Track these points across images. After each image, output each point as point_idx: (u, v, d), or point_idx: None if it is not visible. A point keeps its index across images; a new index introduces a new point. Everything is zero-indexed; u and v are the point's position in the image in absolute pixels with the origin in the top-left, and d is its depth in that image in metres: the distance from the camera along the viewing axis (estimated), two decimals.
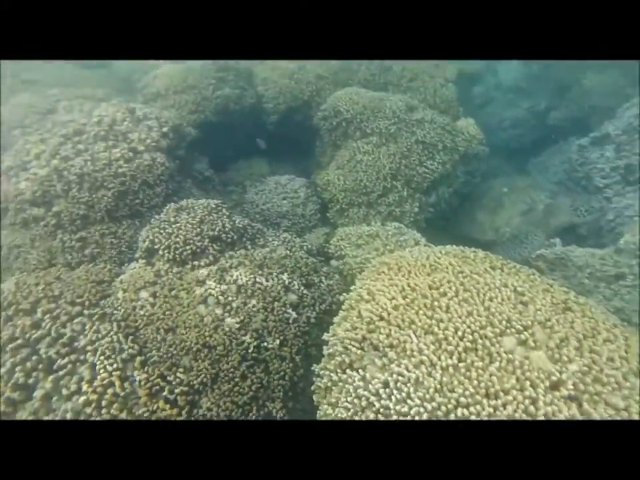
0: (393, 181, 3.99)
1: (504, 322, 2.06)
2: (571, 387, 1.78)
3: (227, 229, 3.18)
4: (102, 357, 2.39)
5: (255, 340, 2.61)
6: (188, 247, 2.96)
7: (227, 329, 2.54)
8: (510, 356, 1.92)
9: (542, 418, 1.67)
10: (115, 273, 3.04)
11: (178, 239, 2.99)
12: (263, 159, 5.06)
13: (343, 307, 2.58)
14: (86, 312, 2.59)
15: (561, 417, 1.66)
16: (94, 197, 3.36)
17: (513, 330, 2.03)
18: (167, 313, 2.61)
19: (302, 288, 3.03)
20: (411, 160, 4.06)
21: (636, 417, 1.70)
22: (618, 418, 1.68)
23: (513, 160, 6.66)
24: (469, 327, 2.04)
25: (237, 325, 2.59)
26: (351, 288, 2.71)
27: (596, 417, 1.66)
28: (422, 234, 3.98)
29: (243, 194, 4.52)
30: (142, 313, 2.61)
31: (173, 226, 3.09)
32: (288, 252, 3.32)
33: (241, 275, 2.88)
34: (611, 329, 2.18)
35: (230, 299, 2.71)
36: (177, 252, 2.96)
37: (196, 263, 2.96)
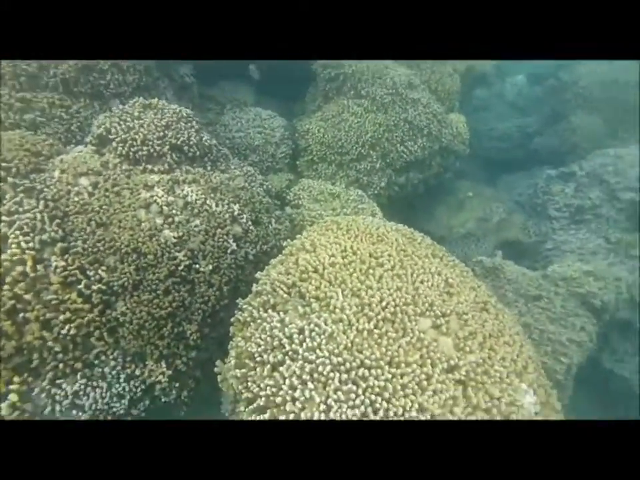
0: (371, 150, 3.97)
1: (426, 304, 2.17)
2: (463, 373, 1.94)
3: (191, 142, 3.03)
4: (18, 232, 2.23)
5: (188, 259, 2.56)
6: (145, 148, 2.79)
7: (163, 240, 2.47)
8: (422, 335, 2.03)
9: (430, 393, 1.81)
10: (56, 150, 2.81)
11: (137, 136, 2.80)
12: (251, 86, 4.80)
13: (283, 252, 2.59)
14: (10, 180, 2.38)
15: (446, 395, 1.81)
16: (51, 63, 3.03)
17: (432, 314, 2.15)
18: (103, 207, 2.47)
19: (249, 223, 2.99)
20: (394, 135, 4.03)
21: (503, 407, 1.89)
22: (490, 405, 1.85)
23: (488, 169, 6.85)
24: (393, 300, 2.12)
25: (174, 240, 2.52)
26: (297, 236, 2.72)
27: (473, 400, 1.82)
28: (381, 209, 4.04)
29: (220, 115, 4.30)
30: (76, 199, 2.45)
31: (136, 121, 2.88)
32: (246, 184, 3.24)
33: (192, 191, 2.79)
34: (513, 335, 2.38)
35: (174, 212, 2.62)
36: (132, 149, 2.78)
37: (149, 166, 2.80)
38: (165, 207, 2.59)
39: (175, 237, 2.55)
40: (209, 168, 3.16)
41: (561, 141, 5.82)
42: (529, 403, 2.11)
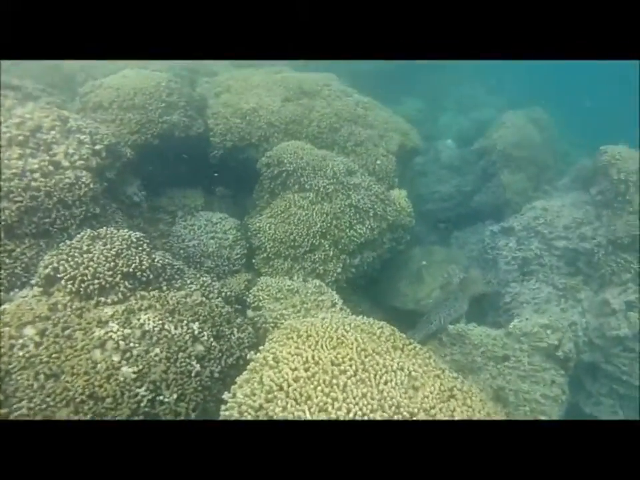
0: (322, 239, 4.14)
1: (393, 407, 2.18)
2: None
3: (143, 267, 3.06)
4: None
5: (151, 393, 2.48)
6: (96, 282, 2.79)
7: (122, 378, 2.39)
8: None
9: None
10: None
11: (87, 271, 2.80)
12: (198, 190, 4.99)
13: (249, 367, 2.57)
14: None
15: None
16: None
17: (400, 416, 2.16)
18: (53, 355, 2.40)
19: (211, 339, 2.97)
20: (342, 222, 4.25)
21: None
22: None
23: (438, 230, 7.25)
24: (360, 409, 2.13)
25: (134, 375, 2.45)
26: (260, 348, 2.72)
27: None
28: (342, 293, 4.13)
29: (172, 225, 4.40)
30: (21, 354, 2.37)
31: (84, 255, 2.90)
32: (204, 298, 3.25)
33: (149, 319, 2.76)
34: (484, 417, 2.41)
35: (132, 344, 2.58)
36: (82, 285, 2.77)
37: (102, 299, 2.78)
38: (121, 342, 2.55)
39: (134, 372, 2.48)
40: (164, 288, 3.17)
41: (495, 197, 6.35)
42: None
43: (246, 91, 5.37)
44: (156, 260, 3.24)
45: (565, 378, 3.92)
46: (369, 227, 4.38)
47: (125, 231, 3.21)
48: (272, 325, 3.42)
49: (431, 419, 2.21)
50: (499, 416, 2.67)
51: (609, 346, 4.38)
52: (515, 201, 6.05)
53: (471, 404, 2.48)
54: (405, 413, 2.17)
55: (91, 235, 3.08)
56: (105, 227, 3.15)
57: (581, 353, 4.42)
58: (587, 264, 4.79)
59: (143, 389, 2.45)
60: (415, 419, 2.17)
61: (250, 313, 3.65)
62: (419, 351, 2.75)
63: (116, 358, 2.50)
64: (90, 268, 2.84)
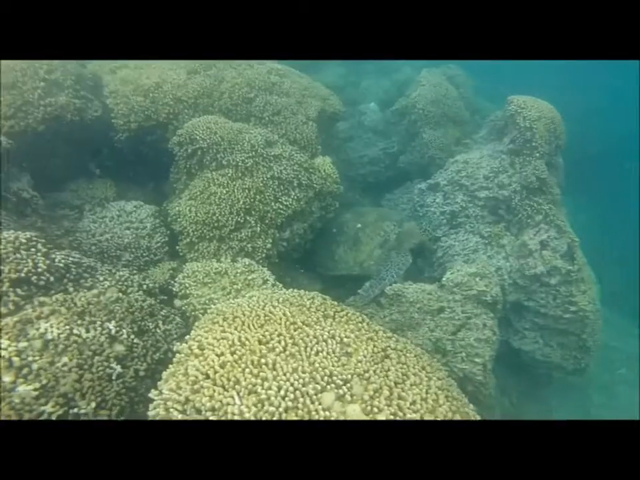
0: (247, 216, 3.94)
1: (326, 377, 2.12)
2: None
3: (39, 270, 2.69)
4: None
5: (61, 407, 2.21)
6: None
7: (17, 400, 2.10)
8: (327, 413, 1.97)
9: None
10: None
11: None
12: (108, 179, 4.53)
13: (174, 360, 2.38)
14: None
15: None
16: None
17: (333, 385, 2.10)
18: None
19: (132, 336, 2.72)
20: (266, 195, 4.07)
21: None
22: None
23: (369, 194, 7.29)
24: (292, 384, 2.04)
25: (35, 393, 2.17)
26: (185, 338, 2.53)
27: None
28: (274, 268, 4.01)
29: (78, 220, 3.96)
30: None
31: None
32: (120, 294, 2.96)
33: (51, 326, 2.45)
34: (418, 372, 2.43)
35: (30, 358, 2.27)
36: None
37: None
38: (14, 358, 2.23)
39: (35, 389, 2.19)
40: (70, 290, 2.84)
41: (420, 155, 6.45)
42: None
43: (146, 65, 4.88)
44: (56, 260, 2.88)
45: (494, 320, 4.15)
46: (295, 197, 4.24)
47: (10, 232, 2.80)
48: (201, 311, 3.22)
49: (365, 384, 2.19)
50: (436, 367, 2.74)
51: (529, 284, 4.69)
52: (439, 156, 6.18)
53: (405, 361, 2.49)
54: (338, 381, 2.12)
55: None
56: None
57: (507, 295, 4.70)
58: (507, 210, 5.04)
59: (49, 405, 2.18)
60: (349, 385, 2.13)
61: (177, 302, 3.42)
62: (351, 316, 2.71)
63: (7, 378, 2.18)
64: None
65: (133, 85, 4.68)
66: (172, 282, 3.60)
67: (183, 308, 3.34)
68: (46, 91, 4.01)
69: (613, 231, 11.00)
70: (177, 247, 3.99)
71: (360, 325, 2.65)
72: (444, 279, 4.37)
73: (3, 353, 2.19)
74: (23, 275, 2.61)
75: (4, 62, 3.84)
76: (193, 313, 3.27)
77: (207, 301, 3.28)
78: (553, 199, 4.86)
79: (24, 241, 2.77)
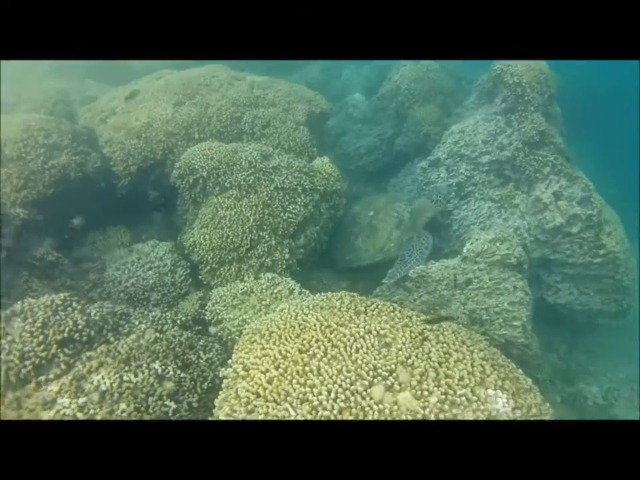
0: (260, 232, 4.01)
1: (371, 372, 2.17)
2: (433, 418, 1.95)
3: (80, 327, 2.81)
4: None
5: None
6: (28, 362, 2.53)
7: None
8: (380, 406, 2.02)
9: None
10: None
11: (11, 357, 2.53)
12: (120, 225, 4.66)
13: (223, 385, 2.47)
14: None
15: None
16: None
17: (380, 378, 2.15)
18: None
19: (178, 372, 2.82)
20: (274, 207, 4.13)
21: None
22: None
23: (373, 183, 7.29)
24: (340, 385, 2.10)
25: None
26: (229, 362, 2.61)
27: None
28: (297, 276, 4.08)
29: (102, 270, 4.09)
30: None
31: (2, 341, 2.61)
32: (157, 334, 3.06)
33: (103, 378, 2.56)
34: (459, 348, 2.46)
35: (92, 411, 2.38)
36: (10, 372, 2.50)
37: (42, 378, 2.54)
38: (79, 414, 2.34)
39: None
40: (111, 340, 2.95)
41: (415, 134, 6.42)
42: (503, 405, 2.17)
43: (132, 109, 5.00)
44: (92, 314, 3.00)
45: (524, 280, 4.12)
46: (302, 203, 4.29)
47: (46, 297, 2.93)
48: (237, 333, 3.30)
49: (410, 370, 2.23)
50: (476, 339, 2.76)
51: (551, 238, 4.64)
52: (434, 131, 6.15)
53: (444, 339, 2.52)
54: (383, 373, 2.16)
55: (5, 315, 2.77)
56: (19, 301, 2.85)
57: (530, 252, 4.66)
58: (513, 170, 4.99)
59: None
60: (394, 375, 2.17)
61: (212, 329, 3.51)
62: (382, 308, 2.75)
63: None
64: (14, 351, 2.56)
65: (125, 129, 4.80)
66: (203, 311, 3.69)
67: (219, 334, 3.43)
68: (47, 155, 4.17)
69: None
70: (200, 276, 4.08)
71: (392, 314, 2.69)
72: (464, 250, 4.36)
73: (67, 412, 2.30)
74: (66, 335, 2.73)
75: (4, 137, 4.00)
76: (229, 337, 3.35)
77: (240, 322, 3.36)
78: (557, 148, 4.80)
79: (59, 302, 2.89)
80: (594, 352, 6.08)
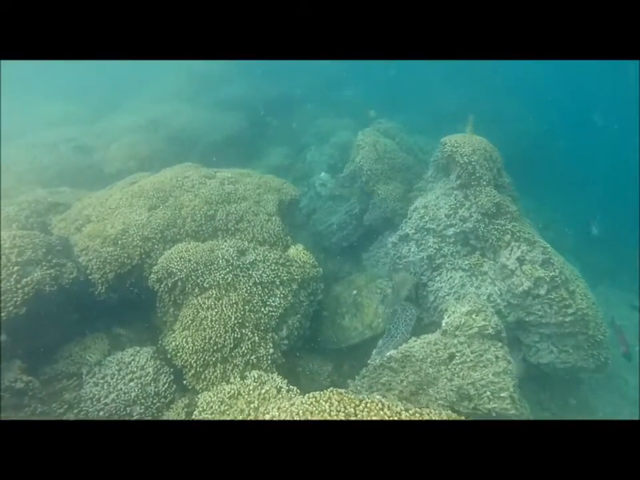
0: (242, 329, 4.03)
1: None
2: None
3: None
4: None
5: None
6: None
7: None
8: None
9: None
10: None
11: None
12: (99, 334, 4.56)
13: None
14: None
15: None
16: None
17: None
18: None
19: None
20: (254, 303, 4.19)
21: None
22: None
23: (348, 257, 7.51)
24: None
25: None
26: None
27: None
28: (282, 368, 4.05)
29: (79, 387, 3.93)
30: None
31: None
32: None
33: None
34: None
35: None
36: None
37: None
38: None
39: None
40: None
41: (381, 210, 6.80)
42: None
43: (107, 216, 5.13)
44: None
45: (504, 348, 4.23)
46: (281, 295, 4.38)
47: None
48: None
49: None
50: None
51: (522, 300, 4.85)
52: (400, 206, 6.56)
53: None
54: None
55: None
56: None
57: (506, 317, 4.83)
58: (477, 239, 5.31)
59: None
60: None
61: None
62: (371, 406, 2.75)
63: None
64: None
65: (100, 237, 4.88)
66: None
67: None
68: (21, 273, 4.15)
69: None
70: (184, 381, 3.98)
71: (382, 412, 2.69)
72: (443, 324, 4.48)
73: None
74: None
75: None
76: None
77: None
78: (513, 216, 5.19)
79: None
80: (586, 403, 6.09)
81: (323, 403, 2.82)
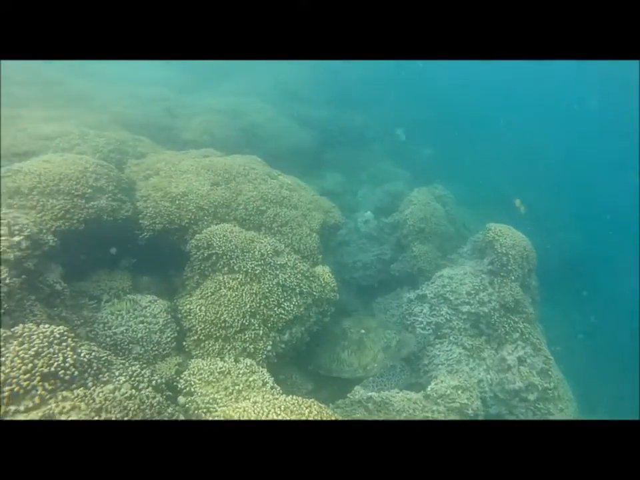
0: (252, 319, 4.34)
1: None
2: None
3: (67, 364, 2.99)
4: None
5: None
6: (7, 388, 2.68)
7: None
8: None
9: None
10: None
11: None
12: (126, 272, 4.97)
13: None
14: None
15: None
16: None
17: None
18: None
19: None
20: (270, 300, 4.51)
21: None
22: None
23: (361, 296, 7.77)
24: None
25: None
26: None
27: None
28: (271, 368, 4.30)
29: (97, 310, 4.31)
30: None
31: None
32: (133, 391, 3.22)
33: None
34: None
35: None
36: None
37: (11, 408, 2.66)
38: None
39: None
40: (90, 385, 3.10)
41: (409, 266, 7.09)
42: None
43: (175, 175, 5.65)
44: (82, 355, 3.19)
45: None
46: (296, 303, 4.69)
47: (47, 326, 3.15)
48: (204, 410, 3.44)
49: None
50: None
51: (509, 398, 4.97)
52: (427, 268, 6.82)
53: None
54: None
55: (5, 334, 2.97)
56: (21, 324, 3.07)
57: (489, 407, 4.94)
58: (487, 325, 5.50)
59: None
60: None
61: (181, 399, 3.64)
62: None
63: None
64: (1, 374, 2.73)
65: (162, 191, 5.37)
66: (178, 378, 3.85)
67: (187, 405, 3.56)
68: (92, 195, 4.65)
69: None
70: (184, 343, 4.29)
71: None
72: (429, 388, 4.65)
73: None
74: (52, 369, 2.90)
75: (62, 172, 4.53)
76: (196, 411, 3.48)
77: (210, 400, 3.52)
78: (528, 317, 5.37)
79: (57, 335, 3.11)
80: None
81: (304, 408, 3.07)
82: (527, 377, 4.89)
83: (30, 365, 2.83)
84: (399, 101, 17.74)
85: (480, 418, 4.52)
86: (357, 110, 15.64)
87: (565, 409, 5.04)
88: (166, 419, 3.23)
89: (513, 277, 5.44)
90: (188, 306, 4.44)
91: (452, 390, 4.44)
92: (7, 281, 3.34)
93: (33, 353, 2.90)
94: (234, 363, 4.02)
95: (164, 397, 3.56)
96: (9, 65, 8.08)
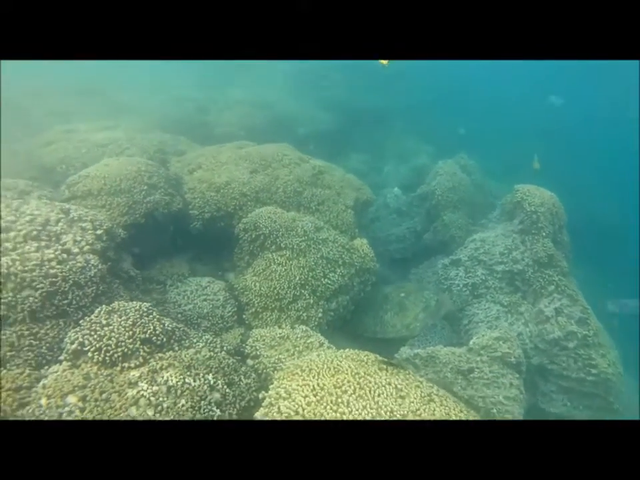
0: (302, 290, 4.76)
1: (388, 412, 2.77)
2: None
3: (157, 332, 3.51)
4: None
5: None
6: (120, 349, 3.21)
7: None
8: None
9: None
10: (35, 378, 3.09)
11: (110, 342, 3.23)
12: (183, 259, 5.50)
13: (264, 404, 3.06)
14: None
15: None
16: (17, 297, 3.44)
17: (395, 418, 2.75)
18: (97, 417, 2.78)
19: (225, 387, 3.42)
20: (317, 272, 4.92)
21: None
22: None
23: (396, 268, 8.09)
24: (364, 418, 2.70)
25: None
26: (270, 387, 3.22)
27: None
28: (324, 335, 4.73)
29: (164, 293, 4.85)
30: (70, 419, 2.73)
31: (105, 328, 3.33)
32: (211, 353, 3.72)
33: (171, 376, 3.20)
34: (458, 414, 3.04)
35: (161, 399, 3.00)
36: (107, 354, 3.18)
37: (126, 364, 3.20)
38: (152, 398, 2.96)
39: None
40: (176, 348, 3.62)
41: (442, 234, 7.34)
42: None
43: (216, 167, 6.11)
44: (166, 325, 3.70)
45: (520, 380, 4.66)
46: (340, 274, 5.08)
47: (135, 302, 3.67)
48: (272, 369, 3.91)
49: (418, 418, 2.82)
50: (471, 414, 3.32)
51: (549, 348, 5.22)
52: (459, 235, 7.06)
53: (447, 404, 3.12)
54: (398, 415, 2.76)
55: (107, 309, 3.52)
56: (117, 302, 3.60)
57: (530, 358, 5.22)
58: (522, 282, 5.74)
59: None
60: (406, 418, 2.76)
61: (250, 361, 4.12)
62: (400, 370, 3.38)
63: (150, 412, 2.91)
64: (112, 338, 3.27)
65: (207, 183, 5.85)
66: (243, 345, 4.34)
67: (255, 366, 4.04)
68: (147, 191, 5.17)
69: None
70: (244, 316, 4.78)
71: (407, 376, 3.31)
72: (471, 342, 4.97)
73: (145, 393, 2.94)
74: (147, 335, 3.43)
75: (121, 173, 5.06)
76: (264, 371, 3.95)
77: (275, 361, 3.98)
78: (562, 271, 5.57)
79: (145, 309, 3.63)
80: None
81: (362, 356, 3.48)
82: (565, 326, 5.12)
83: (131, 332, 3.37)
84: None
85: (522, 367, 4.81)
86: (377, 91, 15.67)
87: (606, 355, 5.25)
88: (242, 377, 3.72)
89: (544, 234, 5.63)
90: (243, 283, 4.91)
91: (493, 341, 4.74)
92: (99, 267, 3.88)
93: (130, 322, 3.43)
94: (291, 330, 4.47)
95: (235, 359, 4.06)
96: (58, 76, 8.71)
